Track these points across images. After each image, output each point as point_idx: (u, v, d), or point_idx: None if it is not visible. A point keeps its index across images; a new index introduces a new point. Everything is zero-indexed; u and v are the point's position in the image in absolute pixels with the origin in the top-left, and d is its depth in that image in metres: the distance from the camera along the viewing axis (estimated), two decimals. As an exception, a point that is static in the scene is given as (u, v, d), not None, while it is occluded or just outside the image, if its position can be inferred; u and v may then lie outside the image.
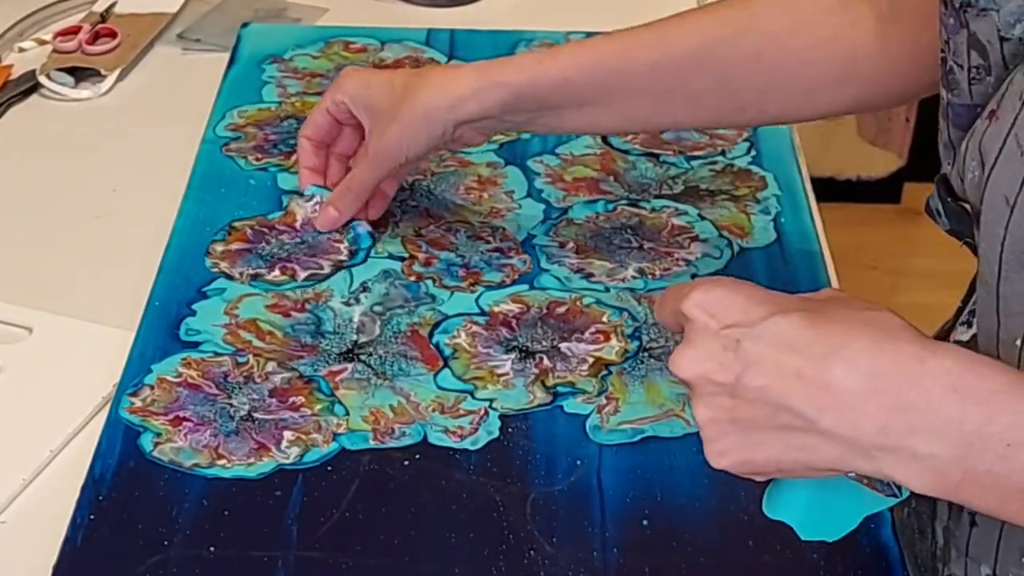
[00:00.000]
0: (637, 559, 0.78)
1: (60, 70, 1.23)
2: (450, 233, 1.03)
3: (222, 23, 1.32)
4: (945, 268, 1.15)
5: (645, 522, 0.80)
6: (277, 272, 0.98)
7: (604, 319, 0.94)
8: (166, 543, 0.78)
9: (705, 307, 0.64)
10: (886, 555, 0.78)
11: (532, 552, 0.78)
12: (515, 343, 0.93)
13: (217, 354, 0.91)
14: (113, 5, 1.33)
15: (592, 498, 0.82)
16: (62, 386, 0.90)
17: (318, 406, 0.88)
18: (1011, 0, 0.66)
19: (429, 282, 0.98)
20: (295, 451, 0.84)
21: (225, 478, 0.82)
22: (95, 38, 1.27)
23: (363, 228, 1.01)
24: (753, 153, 1.12)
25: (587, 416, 0.87)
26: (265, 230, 1.02)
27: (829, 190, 2.28)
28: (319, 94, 1.18)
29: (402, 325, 0.94)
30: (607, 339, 0.93)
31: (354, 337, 0.93)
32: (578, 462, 0.84)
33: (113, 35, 1.27)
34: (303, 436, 0.85)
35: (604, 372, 0.90)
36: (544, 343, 0.92)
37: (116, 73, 1.24)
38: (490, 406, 0.88)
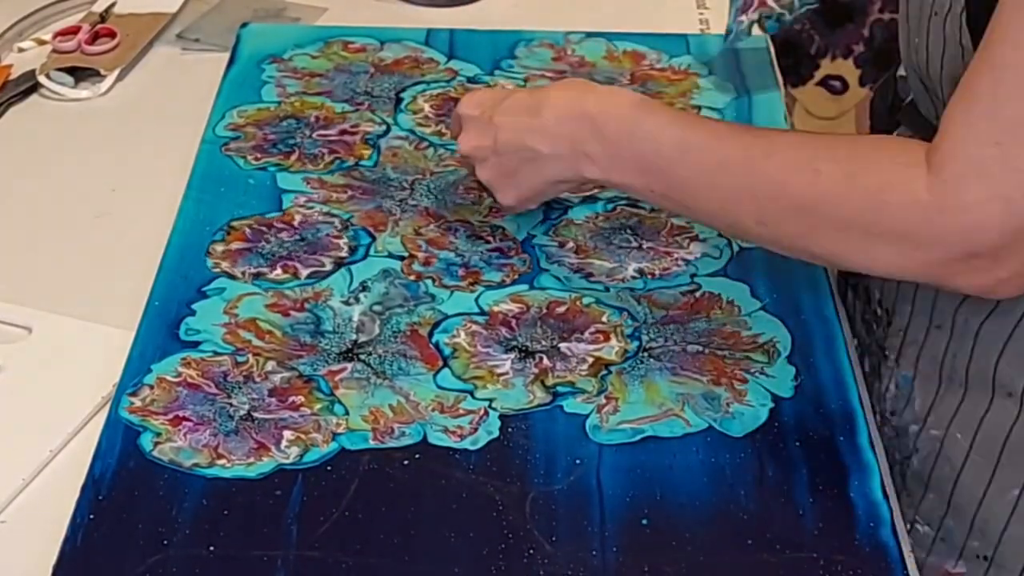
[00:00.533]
0: (637, 559, 0.78)
1: (60, 70, 1.23)
2: (450, 233, 1.03)
3: (221, 23, 1.32)
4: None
5: (645, 522, 0.80)
6: (279, 270, 0.98)
7: (604, 319, 0.94)
8: (166, 543, 0.78)
9: (470, 102, 0.97)
10: (886, 555, 0.78)
11: (532, 551, 0.78)
12: (515, 343, 0.93)
13: (217, 354, 0.91)
14: (112, 5, 1.33)
15: (592, 498, 0.82)
16: (62, 386, 0.90)
17: (318, 406, 0.88)
18: None
19: (429, 281, 0.98)
20: (295, 451, 0.84)
21: (225, 478, 0.82)
22: (94, 38, 1.27)
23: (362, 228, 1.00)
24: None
25: (587, 416, 0.87)
26: (264, 228, 1.03)
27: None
28: (318, 94, 1.19)
29: (402, 324, 0.94)
30: (607, 339, 0.93)
31: (354, 336, 0.93)
32: (578, 462, 0.84)
33: (112, 35, 1.27)
34: (303, 436, 0.85)
35: (604, 372, 0.90)
36: (544, 343, 0.92)
37: (116, 73, 1.24)
38: (490, 406, 0.88)
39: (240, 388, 0.89)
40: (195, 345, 0.92)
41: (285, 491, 0.82)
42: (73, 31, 1.28)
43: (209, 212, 1.05)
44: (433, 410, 0.87)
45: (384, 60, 1.24)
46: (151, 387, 0.89)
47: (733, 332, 0.93)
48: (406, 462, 0.84)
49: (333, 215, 1.04)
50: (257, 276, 0.98)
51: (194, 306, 0.95)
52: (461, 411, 0.87)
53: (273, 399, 0.88)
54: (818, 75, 2.37)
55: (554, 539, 0.79)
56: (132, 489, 0.82)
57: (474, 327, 0.94)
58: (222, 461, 0.83)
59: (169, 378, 0.89)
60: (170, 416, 0.87)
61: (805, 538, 0.79)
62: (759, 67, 1.23)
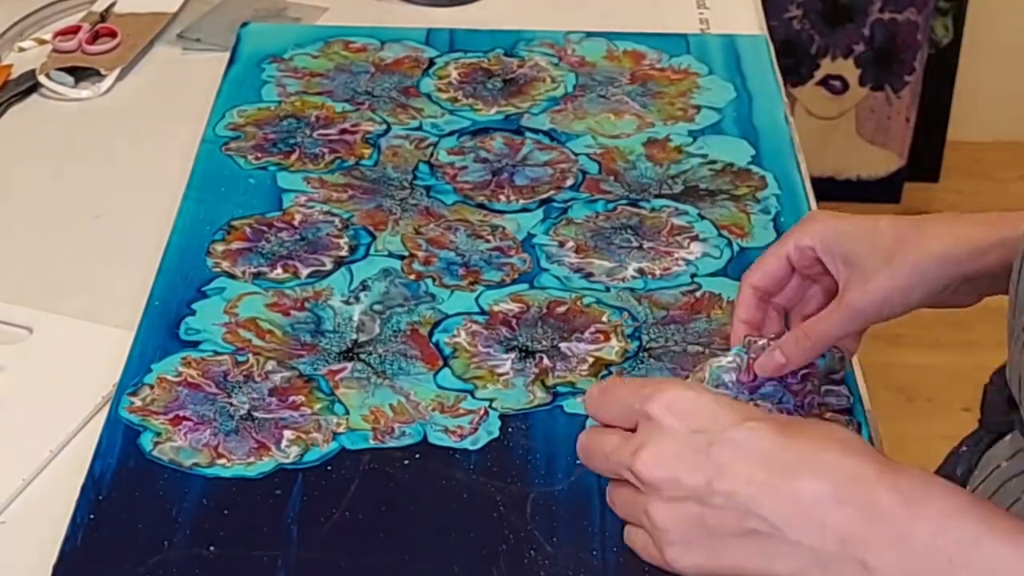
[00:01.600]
0: (637, 559, 0.78)
1: (60, 70, 1.23)
2: (450, 232, 1.03)
3: (222, 23, 1.32)
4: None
5: (645, 522, 0.80)
6: (279, 270, 0.98)
7: (604, 319, 0.94)
8: (166, 543, 0.78)
9: (674, 409, 0.64)
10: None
11: (532, 552, 0.78)
12: (515, 343, 0.93)
13: (217, 353, 0.91)
14: (113, 5, 1.33)
15: (592, 498, 0.81)
16: (62, 386, 0.90)
17: (318, 405, 0.88)
18: None
19: (429, 281, 0.98)
20: (295, 450, 0.84)
21: (225, 477, 0.82)
22: (95, 38, 1.27)
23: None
24: (753, 153, 1.12)
25: (587, 416, 0.87)
26: (264, 228, 1.02)
27: (829, 190, 2.28)
28: (319, 93, 1.19)
29: (402, 324, 0.94)
30: (607, 339, 0.93)
31: (354, 336, 0.93)
32: (578, 461, 0.84)
33: (113, 35, 1.27)
34: (303, 435, 0.85)
35: (604, 372, 0.90)
36: (544, 343, 0.92)
37: (116, 73, 1.24)
38: (490, 406, 0.88)
39: (240, 388, 0.89)
40: (195, 345, 0.92)
41: (285, 491, 0.82)
42: (73, 31, 1.28)
43: (209, 212, 1.05)
44: (433, 410, 0.87)
45: (384, 60, 1.24)
46: (151, 387, 0.89)
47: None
48: (406, 462, 0.84)
49: (333, 214, 1.04)
50: (257, 275, 0.98)
51: (194, 306, 0.95)
52: (461, 411, 0.87)
53: (273, 399, 0.88)
54: (818, 75, 2.37)
55: (554, 539, 0.79)
56: (132, 489, 0.82)
57: (474, 327, 0.94)
58: (222, 461, 0.83)
59: (169, 378, 0.89)
60: (170, 416, 0.86)
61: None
62: (759, 67, 1.23)
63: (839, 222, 0.85)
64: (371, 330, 0.94)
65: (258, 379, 0.89)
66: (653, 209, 1.05)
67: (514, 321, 0.94)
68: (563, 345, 0.92)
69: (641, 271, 0.99)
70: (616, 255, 1.01)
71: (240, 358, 0.91)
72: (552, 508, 0.81)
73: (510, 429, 0.86)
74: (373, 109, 1.17)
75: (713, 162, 1.11)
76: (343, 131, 1.14)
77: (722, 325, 0.94)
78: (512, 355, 0.91)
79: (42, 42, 1.28)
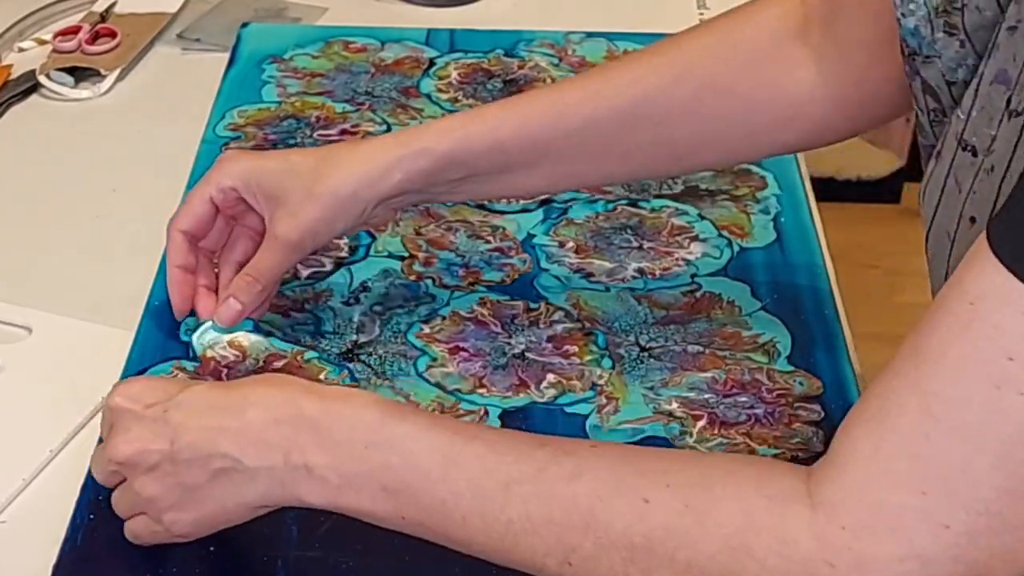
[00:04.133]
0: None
1: (60, 70, 1.23)
2: (450, 233, 1.03)
3: (222, 23, 1.32)
4: (945, 268, 1.15)
5: (645, 522, 0.80)
6: None
7: (322, 377, 0.76)
8: (166, 543, 0.78)
9: (127, 395, 0.73)
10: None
11: (532, 552, 0.78)
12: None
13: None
14: (113, 5, 1.33)
15: (592, 498, 0.81)
16: (62, 386, 0.90)
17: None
18: (948, 48, 0.69)
19: (429, 281, 0.98)
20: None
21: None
22: (95, 38, 1.27)
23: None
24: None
25: (587, 416, 0.87)
26: None
27: (829, 190, 2.27)
28: (319, 94, 1.19)
29: (402, 325, 0.94)
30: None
31: (354, 337, 0.93)
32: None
33: (113, 35, 1.27)
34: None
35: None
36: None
37: (116, 73, 1.24)
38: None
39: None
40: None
41: (285, 491, 0.82)
42: (73, 31, 1.28)
43: (209, 212, 1.04)
44: (433, 410, 0.87)
45: (385, 60, 1.24)
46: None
47: (733, 332, 0.93)
48: (406, 462, 0.84)
49: None
50: None
51: (194, 306, 0.95)
52: (461, 411, 0.87)
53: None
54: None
55: (554, 539, 0.79)
56: (132, 489, 0.82)
57: (181, 375, 0.91)
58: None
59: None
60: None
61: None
62: (759, 67, 1.22)
63: (257, 160, 0.91)
64: (371, 331, 0.94)
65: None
66: (653, 209, 1.05)
67: (225, 371, 0.90)
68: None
69: (641, 271, 0.99)
70: (616, 255, 1.01)
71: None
72: (552, 508, 0.81)
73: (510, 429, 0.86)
74: (373, 109, 1.17)
75: (713, 162, 1.10)
76: (343, 131, 1.14)
77: (722, 325, 0.94)
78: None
79: (42, 42, 1.28)
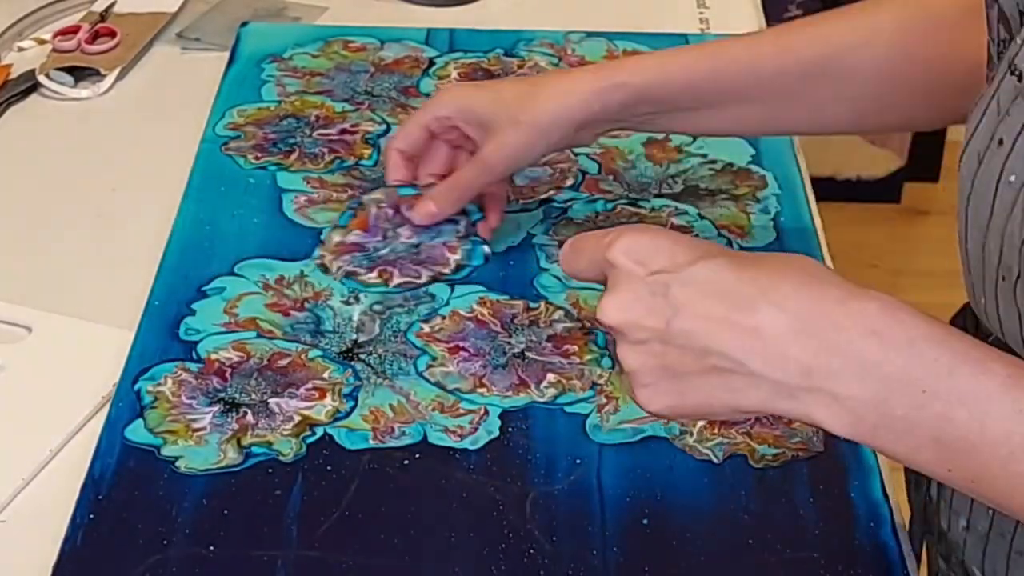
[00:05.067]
0: (637, 559, 0.78)
1: (59, 69, 1.23)
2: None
3: (221, 22, 1.32)
4: (945, 268, 1.15)
5: (645, 521, 0.80)
6: (374, 274, 0.98)
7: (325, 375, 0.93)
8: (166, 543, 0.78)
9: (632, 254, 0.65)
10: (886, 555, 0.78)
11: (532, 551, 0.78)
12: (223, 395, 0.93)
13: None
14: (112, 4, 1.33)
15: (592, 497, 0.82)
16: (62, 386, 0.90)
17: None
18: None
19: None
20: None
21: (225, 476, 0.82)
22: (94, 37, 1.27)
23: (483, 247, 0.99)
24: (753, 152, 1.11)
25: (587, 415, 0.87)
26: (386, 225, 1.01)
27: (829, 190, 2.28)
28: (319, 93, 1.19)
29: (402, 324, 0.94)
30: (322, 397, 0.93)
31: (354, 336, 0.93)
32: (578, 461, 0.84)
33: (112, 34, 1.27)
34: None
35: (306, 432, 0.85)
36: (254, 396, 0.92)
37: (115, 73, 1.24)
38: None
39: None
40: (195, 344, 0.92)
41: (285, 491, 0.82)
42: (73, 30, 1.28)
43: (209, 212, 1.05)
44: (433, 410, 0.87)
45: (384, 59, 1.24)
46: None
47: (733, 332, 0.93)
48: (406, 462, 0.84)
49: None
50: (349, 276, 0.98)
51: (194, 306, 0.95)
52: (461, 411, 0.87)
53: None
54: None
55: (554, 539, 0.79)
56: (132, 489, 0.82)
57: (184, 375, 0.93)
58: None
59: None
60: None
61: (805, 538, 0.79)
62: (759, 67, 1.22)
63: (471, 91, 0.99)
64: (371, 330, 0.94)
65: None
66: (653, 209, 1.05)
67: (229, 371, 0.90)
68: (272, 401, 0.89)
69: (641, 271, 0.99)
70: (616, 255, 1.00)
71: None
72: (552, 508, 0.81)
73: (510, 429, 0.86)
74: (373, 109, 1.17)
75: (713, 162, 1.11)
76: (343, 131, 1.14)
77: (722, 325, 0.94)
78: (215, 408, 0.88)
79: (42, 42, 1.28)
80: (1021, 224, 0.65)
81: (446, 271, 0.98)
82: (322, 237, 1.00)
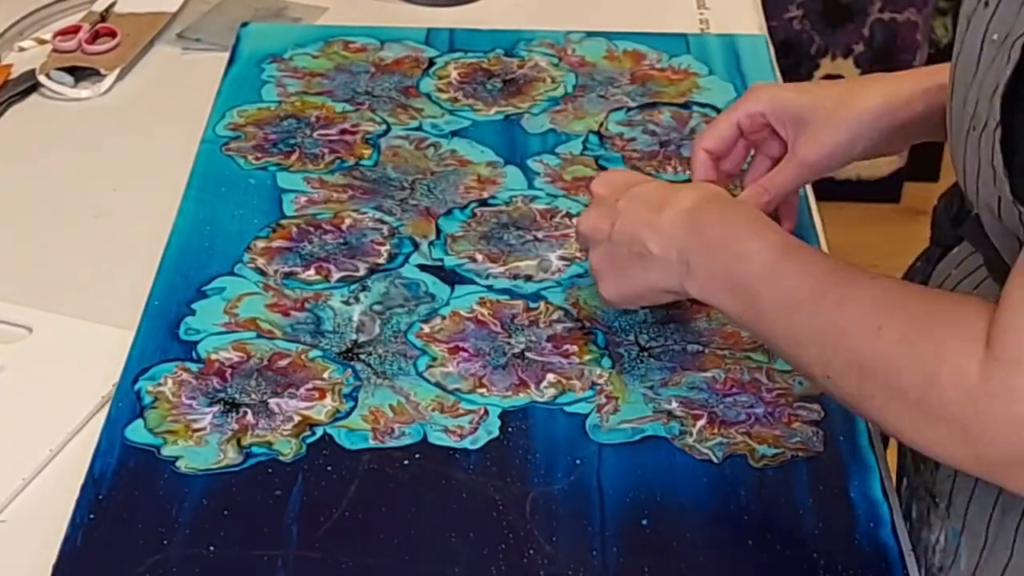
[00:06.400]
0: (637, 559, 0.78)
1: (60, 69, 1.23)
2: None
3: (222, 22, 1.32)
4: (945, 267, 1.15)
5: (645, 522, 0.80)
6: (312, 272, 0.98)
7: (325, 375, 0.94)
8: (166, 542, 0.78)
9: (604, 185, 0.89)
10: (886, 555, 0.78)
11: (532, 551, 0.78)
12: (222, 395, 0.93)
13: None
14: (113, 5, 1.33)
15: (592, 497, 0.82)
16: (62, 386, 0.90)
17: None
18: None
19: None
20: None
21: (225, 476, 0.82)
22: (95, 37, 1.27)
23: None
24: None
25: (587, 415, 0.87)
26: (311, 229, 1.02)
27: (829, 190, 2.26)
28: (319, 93, 1.19)
29: (402, 324, 0.94)
30: (322, 397, 0.93)
31: (354, 336, 0.93)
32: (578, 461, 0.84)
33: (113, 35, 1.27)
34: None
35: (306, 433, 0.85)
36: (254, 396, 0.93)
37: (116, 73, 1.24)
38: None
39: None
40: (195, 344, 0.92)
41: (285, 491, 0.82)
42: (73, 30, 1.28)
43: (209, 212, 1.05)
44: (433, 410, 0.87)
45: (384, 60, 1.24)
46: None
47: (733, 331, 0.93)
48: (406, 462, 0.84)
49: (384, 222, 1.03)
50: (288, 276, 0.98)
51: (194, 306, 0.95)
52: (461, 411, 0.87)
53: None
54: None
55: (554, 539, 0.79)
56: (132, 489, 0.82)
57: (184, 375, 0.94)
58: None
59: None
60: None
61: (805, 538, 0.79)
62: (759, 67, 1.23)
63: (783, 90, 0.97)
64: (371, 330, 0.94)
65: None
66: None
67: (229, 371, 0.90)
68: (272, 401, 0.88)
69: (641, 271, 0.99)
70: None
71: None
72: (552, 508, 0.81)
73: (510, 429, 0.86)
74: (373, 109, 1.17)
75: (713, 162, 1.10)
76: (343, 131, 1.14)
77: (722, 325, 0.94)
78: (215, 408, 0.88)
79: (42, 42, 1.28)
80: (995, 75, 0.70)
81: (381, 261, 0.98)
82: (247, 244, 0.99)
